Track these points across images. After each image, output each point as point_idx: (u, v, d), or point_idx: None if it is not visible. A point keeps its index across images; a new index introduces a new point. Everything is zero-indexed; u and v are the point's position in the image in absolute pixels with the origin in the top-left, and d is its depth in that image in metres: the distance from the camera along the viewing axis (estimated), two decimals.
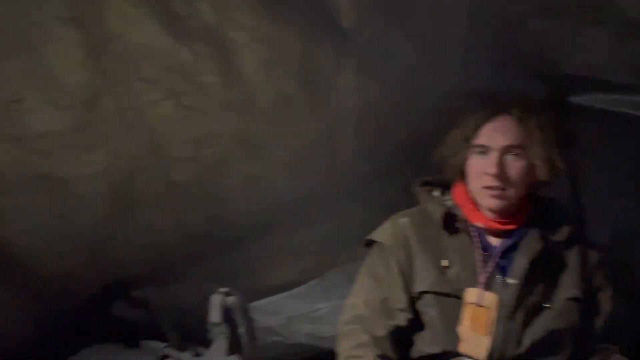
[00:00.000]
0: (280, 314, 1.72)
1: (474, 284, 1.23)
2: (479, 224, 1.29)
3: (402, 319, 1.26)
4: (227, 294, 1.40)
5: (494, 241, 1.29)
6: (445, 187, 1.40)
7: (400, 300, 1.27)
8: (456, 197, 1.35)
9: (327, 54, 1.41)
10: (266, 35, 1.32)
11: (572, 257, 1.28)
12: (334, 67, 1.43)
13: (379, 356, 1.21)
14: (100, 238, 1.47)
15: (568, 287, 1.25)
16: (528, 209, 1.32)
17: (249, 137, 1.46)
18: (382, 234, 1.36)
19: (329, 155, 1.56)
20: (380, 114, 1.53)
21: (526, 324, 1.21)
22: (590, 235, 1.60)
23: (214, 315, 1.40)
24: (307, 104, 1.45)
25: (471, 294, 1.22)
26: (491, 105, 1.32)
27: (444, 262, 1.27)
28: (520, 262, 1.24)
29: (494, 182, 1.25)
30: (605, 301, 1.29)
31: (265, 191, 1.56)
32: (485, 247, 1.28)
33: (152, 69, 1.27)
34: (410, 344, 1.28)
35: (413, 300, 1.28)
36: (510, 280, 1.22)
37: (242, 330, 1.41)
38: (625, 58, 1.38)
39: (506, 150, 1.26)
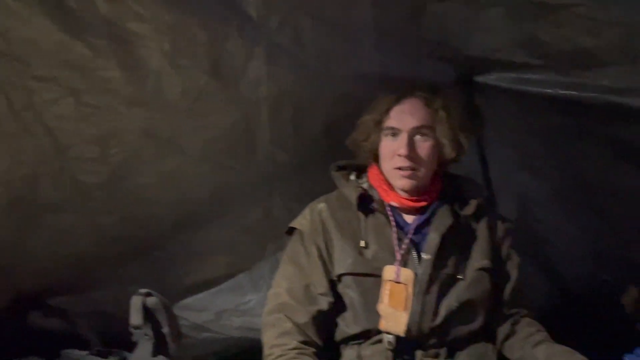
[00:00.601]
0: (209, 309, 1.69)
1: (391, 261, 1.27)
2: (394, 203, 1.34)
3: (324, 303, 1.28)
4: (148, 295, 1.36)
5: (409, 218, 1.34)
6: (361, 170, 1.43)
7: (321, 285, 1.29)
8: (371, 179, 1.39)
9: (235, 43, 1.38)
10: (168, 26, 1.28)
11: (481, 229, 1.35)
12: (243, 56, 1.41)
13: (303, 342, 1.23)
14: (5, 248, 1.38)
15: (478, 258, 1.31)
16: (438, 185, 1.37)
17: (160, 133, 1.42)
18: (301, 221, 1.38)
19: (246, 147, 1.54)
20: (295, 102, 1.53)
21: (441, 296, 1.26)
22: (499, 207, 1.69)
23: (135, 317, 1.35)
24: (218, 96, 1.42)
25: (389, 272, 1.26)
26: (399, 89, 1.36)
27: (362, 243, 1.30)
28: (432, 238, 1.29)
29: (405, 163, 1.30)
30: (513, 269, 1.36)
31: (183, 187, 1.53)
32: (401, 225, 1.33)
33: (46, 66, 1.21)
34: (334, 326, 1.31)
35: (334, 283, 1.30)
36: (424, 256, 1.27)
37: (166, 330, 1.37)
38: (521, 38, 1.44)
39: (415, 131, 1.31)
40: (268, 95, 1.47)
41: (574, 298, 1.80)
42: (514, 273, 1.36)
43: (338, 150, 1.45)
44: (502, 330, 1.33)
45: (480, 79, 1.66)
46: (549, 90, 1.55)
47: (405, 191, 1.33)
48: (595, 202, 1.71)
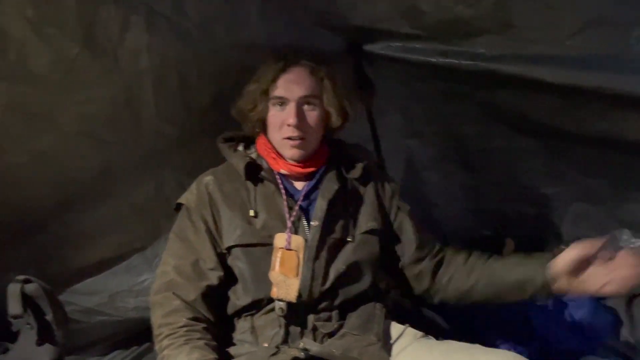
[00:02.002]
0: (101, 292, 1.62)
1: (282, 229, 1.29)
2: (283, 171, 1.35)
3: (213, 278, 1.27)
4: (26, 282, 1.28)
5: (298, 185, 1.36)
6: (249, 141, 1.42)
7: (209, 260, 1.28)
8: (259, 149, 1.39)
9: (109, 10, 1.30)
10: None
11: (368, 192, 1.39)
12: (119, 24, 1.32)
13: (193, 319, 1.22)
14: None
15: (365, 220, 1.35)
16: (326, 151, 1.40)
17: (29, 109, 1.30)
18: (188, 196, 1.35)
19: (130, 121, 1.46)
20: (180, 73, 1.47)
21: (330, 260, 1.29)
22: (389, 172, 1.76)
23: (14, 306, 1.27)
24: (94, 68, 1.33)
25: (280, 239, 1.28)
26: (283, 57, 1.35)
27: (251, 212, 1.30)
28: (319, 204, 1.32)
29: (294, 133, 1.31)
30: (406, 217, 1.42)
31: (62, 166, 1.43)
32: (290, 193, 1.34)
33: None
34: (226, 300, 1.30)
35: (223, 256, 1.30)
36: (312, 222, 1.30)
37: (49, 317, 1.30)
38: (403, 8, 1.48)
39: (302, 100, 1.32)
40: (150, 67, 1.40)
41: None
42: (408, 220, 1.42)
43: (228, 122, 1.43)
44: (425, 269, 1.38)
45: (368, 48, 1.70)
46: (431, 59, 1.62)
47: (295, 160, 1.35)
48: (473, 162, 1.84)
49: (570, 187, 1.76)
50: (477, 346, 1.20)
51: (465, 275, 1.34)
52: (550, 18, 1.37)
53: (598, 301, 1.75)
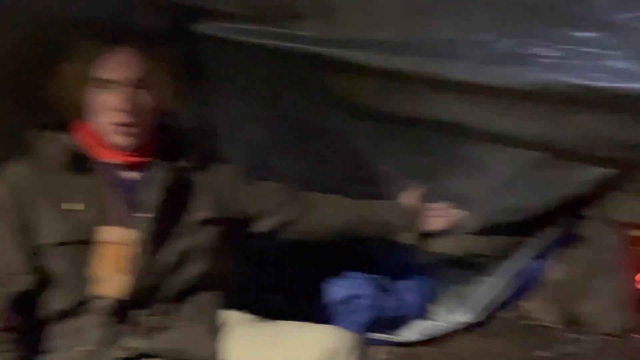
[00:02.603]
0: None
1: (108, 222, 1.19)
2: (110, 160, 1.24)
3: (23, 284, 1.14)
4: None
5: (127, 176, 1.26)
6: (61, 127, 1.28)
7: (17, 263, 1.14)
8: (79, 136, 1.26)
9: None
10: None
11: (203, 181, 1.34)
12: None
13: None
14: None
15: (198, 210, 1.30)
16: (158, 139, 1.31)
17: None
18: None
19: None
20: None
21: (161, 253, 1.22)
22: (231, 159, 1.72)
23: None
24: None
25: (107, 234, 1.18)
26: (109, 36, 1.24)
27: (74, 206, 1.18)
28: (151, 195, 1.23)
29: (123, 118, 1.20)
30: (252, 188, 1.44)
31: None
32: (119, 183, 1.24)
33: None
34: (43, 304, 1.18)
35: (37, 257, 1.16)
36: (143, 214, 1.22)
37: None
38: None
39: (131, 83, 1.21)
40: None
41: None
42: (253, 189, 1.44)
43: (29, 106, 1.27)
44: (291, 215, 1.46)
45: (197, 28, 1.62)
46: (264, 41, 1.61)
47: (124, 148, 1.24)
48: (312, 146, 1.87)
49: (398, 165, 1.88)
50: (308, 324, 1.22)
51: (332, 215, 1.53)
52: (367, 4, 1.44)
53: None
